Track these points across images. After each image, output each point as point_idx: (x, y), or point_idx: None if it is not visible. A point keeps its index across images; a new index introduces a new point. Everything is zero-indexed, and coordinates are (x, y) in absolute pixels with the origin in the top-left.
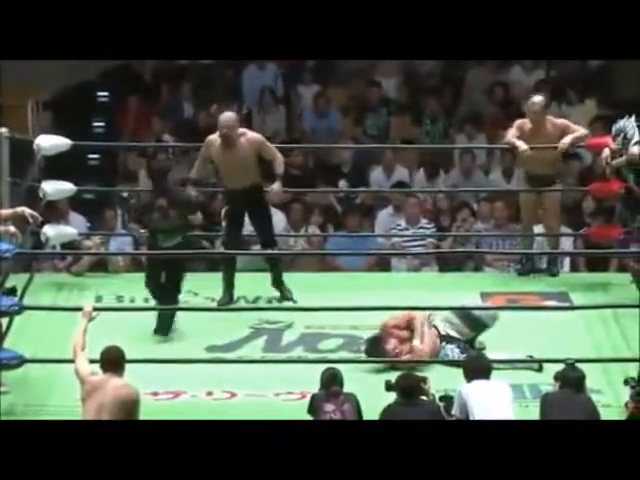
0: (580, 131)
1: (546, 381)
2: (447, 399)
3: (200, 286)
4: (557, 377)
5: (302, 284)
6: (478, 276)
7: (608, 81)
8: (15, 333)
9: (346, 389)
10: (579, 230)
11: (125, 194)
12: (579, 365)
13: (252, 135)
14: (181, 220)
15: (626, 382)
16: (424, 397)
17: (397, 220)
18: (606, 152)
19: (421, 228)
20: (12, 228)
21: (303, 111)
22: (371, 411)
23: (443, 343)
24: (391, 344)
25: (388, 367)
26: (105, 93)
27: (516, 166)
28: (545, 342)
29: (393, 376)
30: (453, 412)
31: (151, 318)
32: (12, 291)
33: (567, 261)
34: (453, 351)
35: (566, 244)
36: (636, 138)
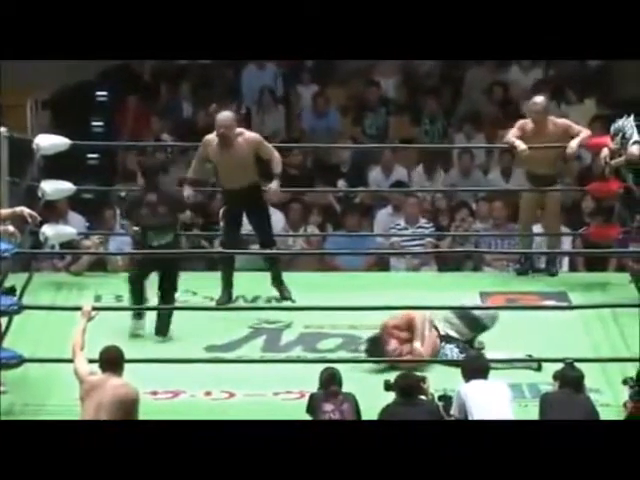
0: (584, 133)
1: (545, 380)
2: (446, 399)
3: (199, 285)
4: (556, 376)
5: (301, 284)
6: (477, 276)
7: (607, 81)
8: (14, 333)
9: (345, 389)
10: (578, 230)
11: (124, 194)
12: (578, 364)
13: (249, 135)
14: (171, 218)
15: (625, 382)
16: (423, 397)
17: (396, 220)
18: (605, 152)
19: (420, 228)
20: (11, 228)
21: (302, 111)
22: (370, 411)
23: (442, 343)
24: (392, 345)
25: (387, 367)
26: (104, 93)
27: (515, 166)
28: (544, 342)
29: (392, 376)
30: (452, 412)
31: (150, 317)
32: (11, 290)
33: (566, 261)
34: (452, 351)
35: (565, 244)
36: (635, 137)
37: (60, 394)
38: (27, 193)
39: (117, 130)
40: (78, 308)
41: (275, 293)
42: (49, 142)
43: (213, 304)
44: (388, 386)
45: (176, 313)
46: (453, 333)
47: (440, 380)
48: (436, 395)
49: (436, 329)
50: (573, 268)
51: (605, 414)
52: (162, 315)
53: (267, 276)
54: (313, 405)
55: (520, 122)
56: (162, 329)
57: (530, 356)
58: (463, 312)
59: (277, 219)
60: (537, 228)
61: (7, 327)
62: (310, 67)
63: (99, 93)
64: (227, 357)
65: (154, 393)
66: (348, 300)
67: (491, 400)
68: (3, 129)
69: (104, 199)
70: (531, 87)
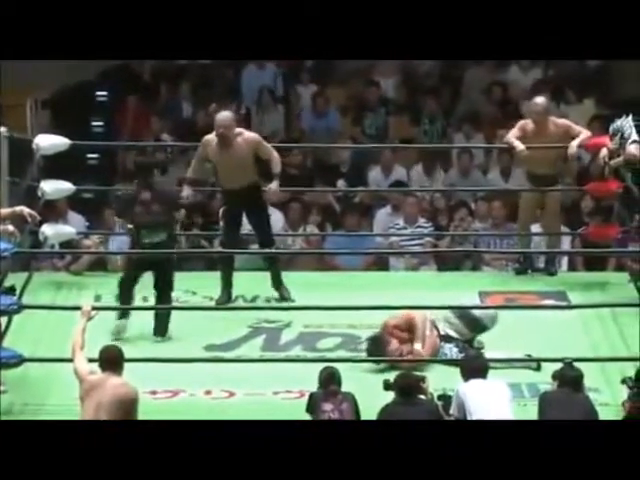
0: (584, 133)
1: (544, 380)
2: (445, 398)
3: (198, 285)
4: (555, 376)
5: (300, 283)
6: (476, 275)
7: (606, 81)
8: (14, 332)
9: (344, 388)
10: (577, 229)
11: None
12: (577, 364)
13: (249, 135)
14: (164, 216)
15: (623, 381)
16: (422, 396)
17: (395, 219)
18: (604, 152)
19: (419, 227)
20: (11, 227)
21: (302, 111)
22: (369, 410)
23: (442, 342)
24: (393, 345)
25: (387, 367)
26: (104, 93)
27: (514, 166)
28: (543, 341)
29: (392, 376)
30: (451, 411)
31: (150, 317)
32: (11, 290)
33: (565, 260)
34: (451, 350)
35: (564, 243)
36: (633, 137)
37: (60, 394)
38: (27, 193)
39: (117, 130)
40: (78, 308)
41: (275, 293)
42: (49, 142)
43: (213, 304)
44: (387, 385)
45: (176, 313)
46: (453, 333)
47: (439, 380)
48: (435, 394)
49: (437, 329)
50: (572, 268)
51: (604, 413)
52: (160, 315)
53: (266, 276)
54: (312, 404)
55: (521, 122)
56: (160, 329)
57: (529, 356)
58: (463, 312)
59: (277, 218)
60: (536, 228)
61: (7, 326)
62: (310, 67)
63: (99, 93)
64: (227, 356)
65: (153, 392)
66: (347, 300)
67: (490, 399)
68: (3, 129)
69: (104, 199)
70: (530, 87)
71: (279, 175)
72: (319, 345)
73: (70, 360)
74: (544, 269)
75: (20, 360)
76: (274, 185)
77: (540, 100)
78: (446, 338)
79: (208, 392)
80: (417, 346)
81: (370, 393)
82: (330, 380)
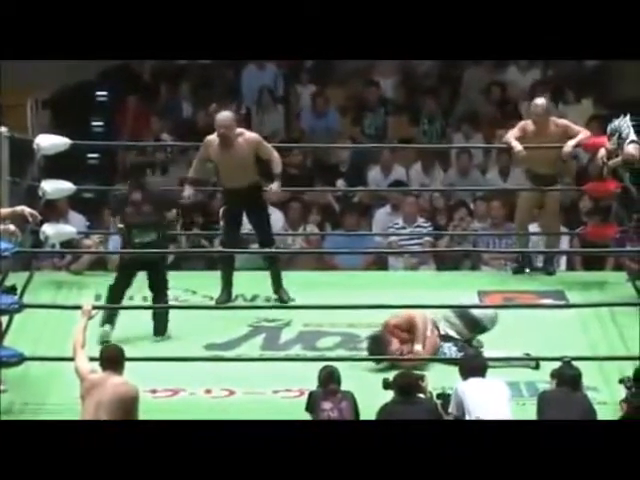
0: (582, 134)
1: (543, 379)
2: (444, 397)
3: (198, 284)
4: (554, 375)
5: (300, 282)
6: (475, 275)
7: (604, 81)
8: (15, 331)
9: (344, 387)
10: (576, 229)
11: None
12: (575, 363)
13: (250, 135)
14: (155, 216)
15: (621, 381)
16: (422, 395)
17: (394, 219)
18: (602, 152)
19: (418, 227)
20: (12, 227)
21: (302, 111)
22: (368, 409)
23: (441, 342)
24: (394, 345)
25: (387, 366)
26: (104, 92)
27: (512, 166)
28: (542, 340)
29: (391, 374)
30: (450, 410)
31: (150, 316)
32: (12, 289)
33: (563, 260)
34: (450, 349)
35: (563, 243)
36: (631, 137)
37: (60, 392)
38: (28, 192)
39: (117, 130)
40: (78, 307)
41: (274, 294)
42: (49, 142)
43: (213, 303)
44: (387, 384)
45: (176, 312)
46: (453, 333)
47: (439, 378)
48: (434, 393)
49: (437, 329)
50: (571, 267)
51: (602, 412)
52: (158, 315)
53: (266, 275)
54: (312, 403)
55: (521, 123)
56: (160, 329)
57: (528, 355)
58: (463, 312)
59: (277, 218)
60: (534, 227)
61: (8, 325)
62: (309, 67)
63: (99, 93)
64: (227, 355)
65: (154, 391)
66: (347, 299)
67: (489, 398)
68: (4, 129)
69: (104, 199)
70: (529, 88)
71: (280, 175)
72: (319, 344)
73: (71, 359)
74: (542, 268)
75: (21, 359)
76: (275, 185)
77: (540, 101)
78: (446, 338)
79: (208, 391)
80: (417, 347)
81: (369, 392)
82: (329, 379)
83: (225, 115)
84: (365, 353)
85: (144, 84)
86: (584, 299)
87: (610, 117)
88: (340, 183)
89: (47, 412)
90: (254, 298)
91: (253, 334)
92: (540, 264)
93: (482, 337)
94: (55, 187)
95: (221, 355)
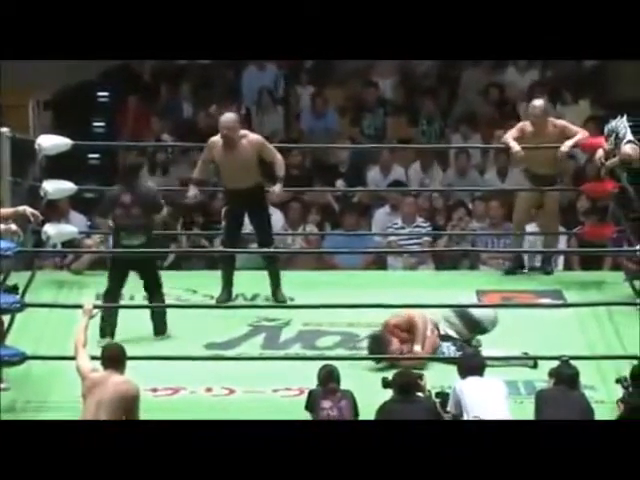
0: (580, 134)
1: (541, 378)
2: (443, 396)
3: (199, 284)
4: (551, 374)
5: (300, 282)
6: (473, 274)
7: (602, 82)
8: (16, 330)
9: (343, 386)
10: (573, 229)
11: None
12: (573, 362)
13: (253, 136)
14: (144, 219)
15: (618, 381)
16: (420, 394)
17: (394, 219)
18: (600, 152)
19: (417, 227)
20: (14, 226)
21: (301, 111)
22: (368, 408)
23: (440, 342)
24: (394, 345)
25: (386, 365)
26: (105, 93)
27: (510, 166)
28: (540, 339)
29: (390, 374)
30: (448, 408)
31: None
32: (14, 289)
33: (561, 259)
34: (449, 349)
35: (560, 243)
36: (628, 137)
37: (62, 391)
38: (29, 193)
39: (118, 130)
40: (79, 306)
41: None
42: (51, 142)
43: (213, 302)
44: (386, 383)
45: (176, 311)
46: (453, 333)
47: (438, 378)
48: (433, 392)
49: (437, 329)
50: (568, 267)
51: (599, 411)
52: (156, 315)
53: (266, 275)
54: (312, 402)
55: (519, 124)
56: (160, 328)
57: (526, 354)
58: (463, 312)
59: (276, 218)
60: (531, 227)
61: (9, 325)
62: (308, 68)
63: (100, 93)
64: (227, 354)
65: (154, 390)
66: (346, 298)
67: (487, 397)
68: (5, 129)
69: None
70: (527, 89)
71: (283, 178)
72: (318, 343)
73: (72, 358)
74: (540, 268)
75: (22, 358)
76: (277, 188)
77: (538, 103)
78: (446, 338)
79: (208, 389)
80: (417, 347)
81: (369, 391)
82: (329, 378)
83: (229, 117)
84: (365, 352)
85: (144, 84)
86: (582, 299)
87: (607, 118)
88: (339, 183)
89: (49, 410)
90: (254, 297)
91: (253, 333)
92: (538, 264)
93: (480, 336)
94: (56, 187)
95: (221, 354)
